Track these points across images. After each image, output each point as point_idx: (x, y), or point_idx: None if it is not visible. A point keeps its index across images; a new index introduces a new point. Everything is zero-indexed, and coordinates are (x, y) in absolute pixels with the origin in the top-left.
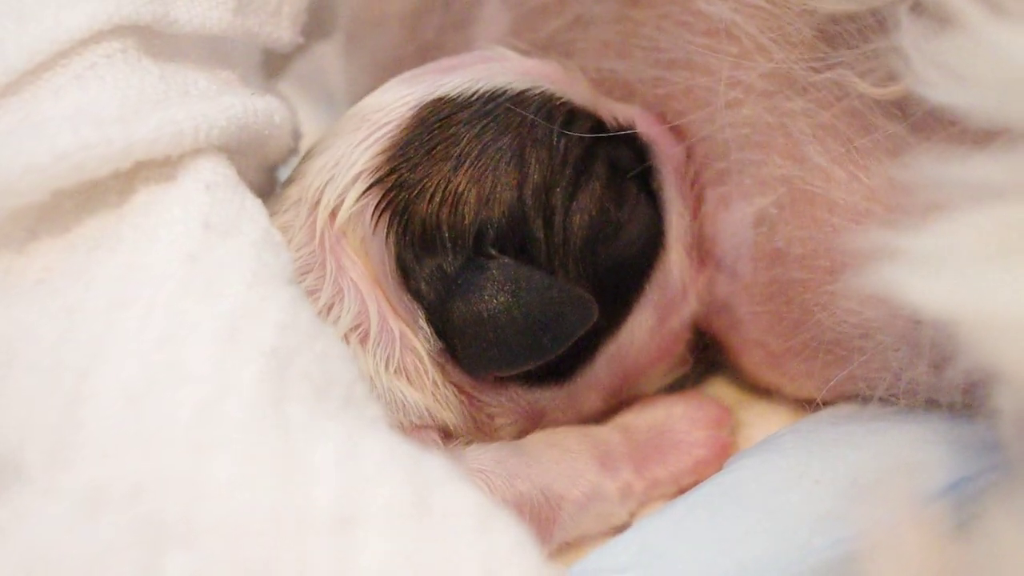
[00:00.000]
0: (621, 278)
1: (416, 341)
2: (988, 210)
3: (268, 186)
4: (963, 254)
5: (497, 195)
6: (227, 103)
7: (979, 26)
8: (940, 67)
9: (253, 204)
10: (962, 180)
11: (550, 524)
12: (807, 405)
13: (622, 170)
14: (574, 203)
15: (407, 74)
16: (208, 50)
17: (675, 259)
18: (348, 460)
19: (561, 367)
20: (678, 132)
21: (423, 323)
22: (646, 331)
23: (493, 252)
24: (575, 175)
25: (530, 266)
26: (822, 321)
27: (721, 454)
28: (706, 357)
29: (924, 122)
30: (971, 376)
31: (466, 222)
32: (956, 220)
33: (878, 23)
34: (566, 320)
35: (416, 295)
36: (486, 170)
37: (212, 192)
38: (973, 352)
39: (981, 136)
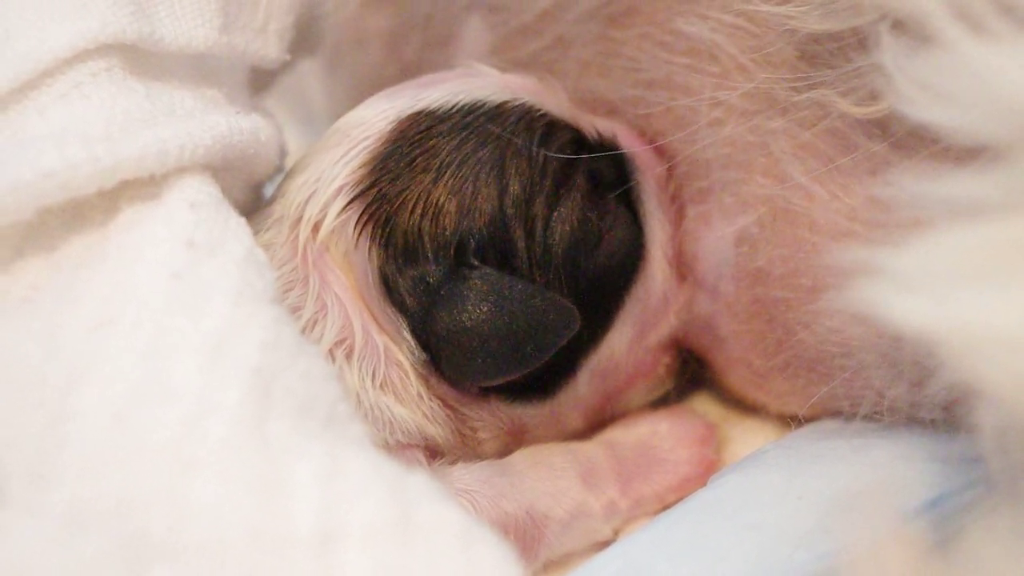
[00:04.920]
0: (602, 289)
1: (400, 354)
2: (969, 228)
3: (254, 204)
4: (944, 273)
5: (478, 206)
6: (213, 122)
7: (960, 45)
8: (922, 85)
9: (237, 223)
10: (943, 198)
11: (535, 543)
12: (792, 421)
13: (603, 182)
14: (555, 214)
15: (388, 90)
16: (194, 68)
17: (657, 271)
18: (331, 478)
19: (542, 382)
20: (659, 151)
21: (407, 335)
22: (626, 344)
23: (475, 262)
24: (555, 186)
25: (512, 276)
26: (804, 340)
27: (706, 472)
28: (691, 373)
29: (905, 141)
30: (952, 393)
31: (447, 233)
32: (937, 238)
33: (859, 42)
34: (549, 329)
35: (399, 307)
36: (466, 181)
37: (197, 211)
38: (953, 370)
39: (963, 154)
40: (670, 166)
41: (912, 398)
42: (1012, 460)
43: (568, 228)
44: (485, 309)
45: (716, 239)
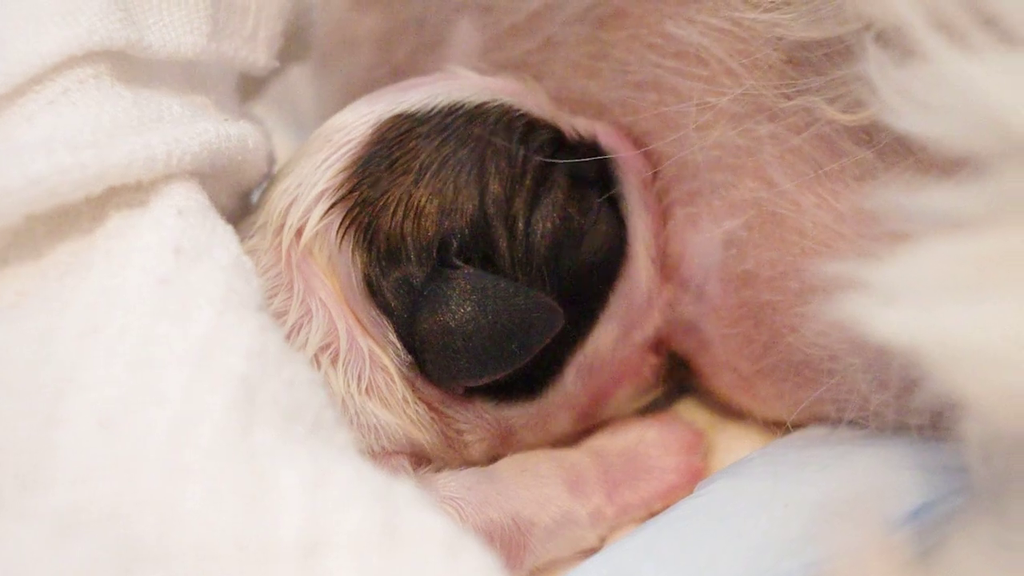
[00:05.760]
0: (586, 286)
1: (385, 358)
2: (952, 241)
3: (241, 211)
4: (927, 286)
5: (459, 206)
6: (200, 129)
7: (941, 57)
8: (905, 96)
9: (224, 230)
10: (928, 210)
11: (520, 550)
12: (779, 427)
13: (583, 180)
14: (536, 212)
15: (369, 94)
16: (182, 75)
17: (641, 268)
18: (316, 486)
19: (528, 382)
20: (648, 154)
21: (392, 337)
22: (611, 341)
23: (457, 262)
24: (535, 184)
25: (495, 275)
26: (792, 343)
27: (692, 479)
28: (678, 379)
29: (891, 149)
30: (937, 403)
31: (429, 234)
32: (921, 251)
33: (845, 51)
34: (533, 327)
35: (384, 310)
36: (447, 182)
37: (184, 217)
38: (938, 382)
39: (947, 164)
40: (658, 168)
41: (899, 405)
42: (995, 470)
43: (550, 226)
44: (468, 308)
45: (704, 241)
